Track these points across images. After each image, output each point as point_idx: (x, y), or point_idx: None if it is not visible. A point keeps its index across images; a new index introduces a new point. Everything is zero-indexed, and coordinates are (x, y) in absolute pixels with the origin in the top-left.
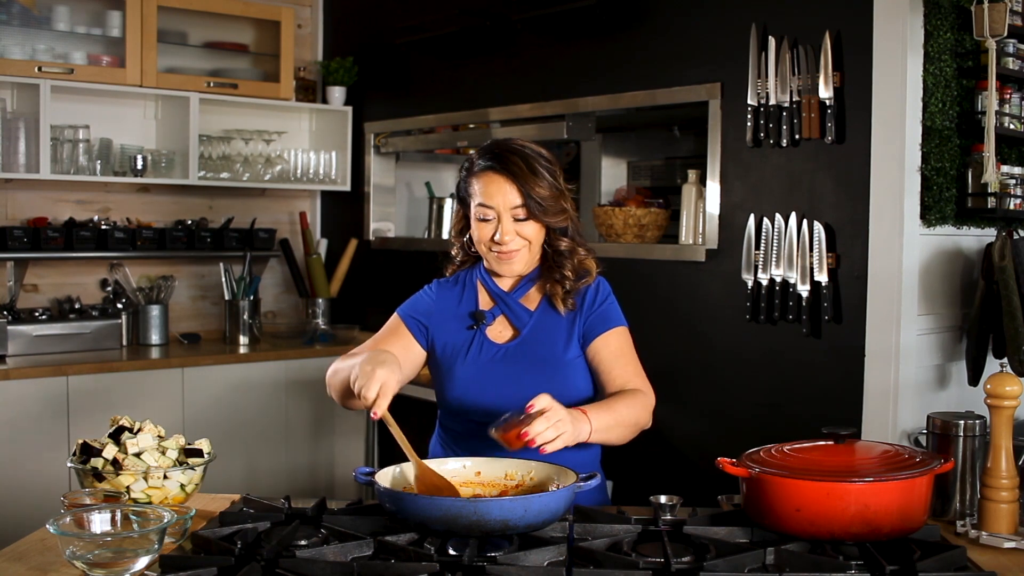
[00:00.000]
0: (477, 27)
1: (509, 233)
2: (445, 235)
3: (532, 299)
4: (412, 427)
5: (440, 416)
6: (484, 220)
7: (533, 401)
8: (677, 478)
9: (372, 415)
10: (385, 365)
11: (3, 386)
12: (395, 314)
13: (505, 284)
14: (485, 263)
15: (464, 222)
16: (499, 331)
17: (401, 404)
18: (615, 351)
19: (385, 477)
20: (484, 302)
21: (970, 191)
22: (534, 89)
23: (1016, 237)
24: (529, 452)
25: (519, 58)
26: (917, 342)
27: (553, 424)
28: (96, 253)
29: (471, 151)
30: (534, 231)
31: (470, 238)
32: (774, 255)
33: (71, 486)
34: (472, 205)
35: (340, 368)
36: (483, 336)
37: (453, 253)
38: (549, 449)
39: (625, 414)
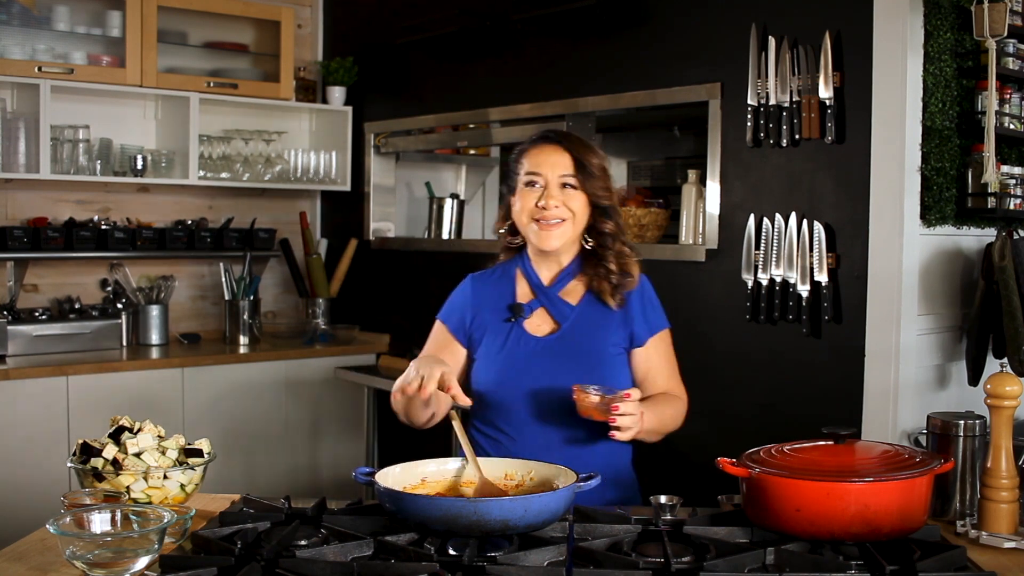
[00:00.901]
0: (477, 27)
1: (555, 198)
2: (445, 235)
3: (572, 293)
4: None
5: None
6: (530, 186)
7: (630, 391)
8: (677, 478)
9: (455, 399)
10: (436, 361)
11: (3, 386)
12: (436, 321)
13: (545, 276)
14: (524, 238)
15: (508, 210)
16: (537, 324)
17: None
18: (661, 355)
19: (385, 477)
20: (523, 294)
21: (970, 191)
22: (534, 89)
23: (1016, 237)
24: (567, 434)
25: (519, 58)
26: (917, 342)
27: (638, 415)
28: (96, 253)
29: (471, 151)
30: (580, 205)
31: (512, 226)
32: (774, 255)
33: (71, 486)
34: (520, 177)
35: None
36: (521, 329)
37: (498, 252)
38: (620, 437)
39: (668, 421)
